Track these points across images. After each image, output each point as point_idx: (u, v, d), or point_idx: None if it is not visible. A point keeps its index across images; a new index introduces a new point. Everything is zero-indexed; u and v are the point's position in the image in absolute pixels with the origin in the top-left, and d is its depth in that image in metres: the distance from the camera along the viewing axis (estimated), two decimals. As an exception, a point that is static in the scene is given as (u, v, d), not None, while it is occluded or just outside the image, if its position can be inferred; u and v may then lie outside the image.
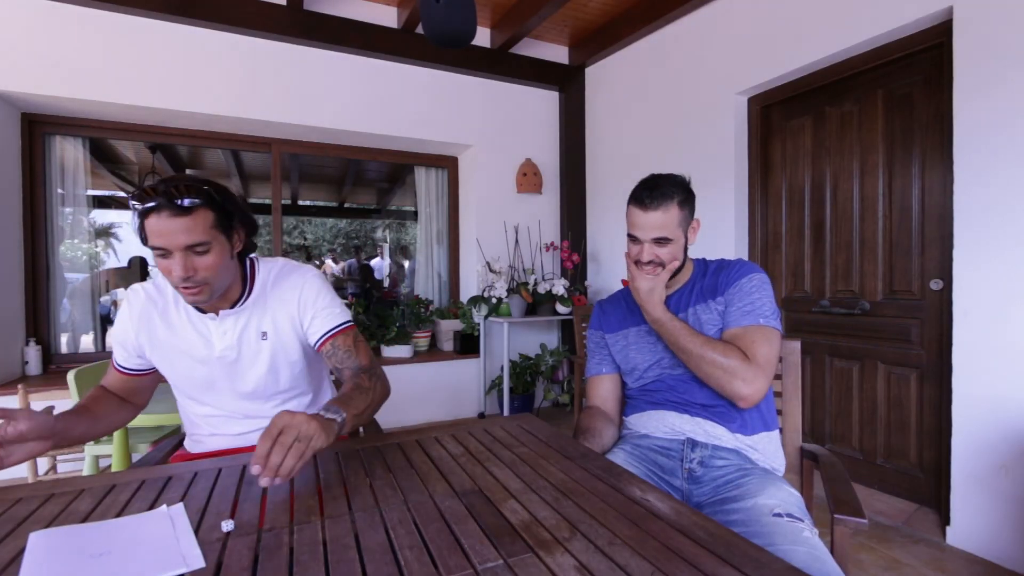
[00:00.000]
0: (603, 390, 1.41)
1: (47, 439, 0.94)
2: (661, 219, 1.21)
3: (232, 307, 1.17)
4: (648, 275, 1.24)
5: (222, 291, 1.12)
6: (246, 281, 1.19)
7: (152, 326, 1.17)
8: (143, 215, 0.99)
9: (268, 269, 1.23)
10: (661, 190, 1.21)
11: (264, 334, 1.19)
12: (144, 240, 1.02)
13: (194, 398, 1.24)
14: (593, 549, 0.68)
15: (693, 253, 1.40)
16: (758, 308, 1.20)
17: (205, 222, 1.02)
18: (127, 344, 1.18)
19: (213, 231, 1.04)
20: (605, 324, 1.44)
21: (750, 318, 1.19)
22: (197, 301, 1.08)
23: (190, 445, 1.30)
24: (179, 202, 0.98)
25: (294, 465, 0.80)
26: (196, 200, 1.00)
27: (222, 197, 1.07)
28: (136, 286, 1.20)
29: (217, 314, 1.16)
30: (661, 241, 1.23)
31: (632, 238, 1.27)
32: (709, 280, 1.31)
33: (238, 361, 1.18)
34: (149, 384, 1.27)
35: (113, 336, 1.21)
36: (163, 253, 1.01)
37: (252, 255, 1.24)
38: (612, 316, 1.44)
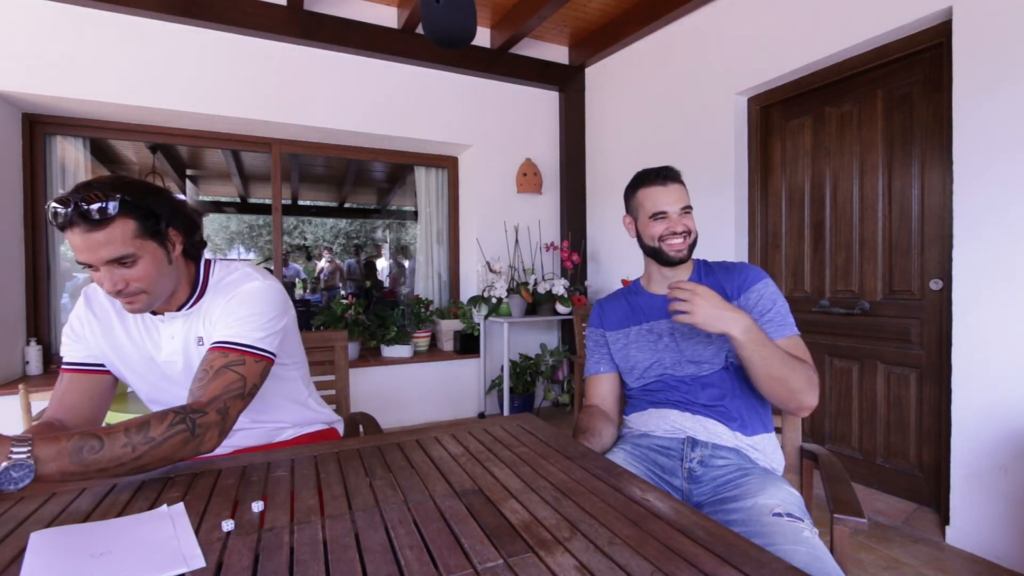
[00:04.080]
0: (602, 389, 1.41)
1: None
2: (681, 190, 1.30)
3: (178, 310, 1.11)
4: (695, 294, 1.10)
5: (165, 297, 1.07)
6: (197, 284, 1.13)
7: (109, 321, 1.13)
8: (60, 229, 0.92)
9: (222, 274, 1.15)
10: (671, 170, 1.31)
11: (200, 339, 1.11)
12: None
13: (155, 400, 1.19)
14: (593, 549, 0.68)
15: (695, 254, 1.40)
16: (786, 317, 1.22)
17: (125, 233, 0.95)
18: (83, 336, 1.12)
19: (138, 241, 0.96)
20: (606, 322, 1.44)
21: (786, 329, 1.21)
22: (136, 310, 1.02)
23: None
24: (92, 216, 0.91)
25: None
26: (110, 212, 0.92)
27: (145, 200, 0.98)
28: (94, 284, 1.11)
29: (165, 315, 1.12)
30: (687, 210, 1.30)
31: (658, 216, 1.29)
32: (712, 281, 1.31)
33: (182, 366, 1.13)
34: (108, 387, 1.16)
35: (68, 332, 1.12)
36: (91, 267, 0.96)
37: (209, 257, 1.18)
38: (613, 314, 1.44)
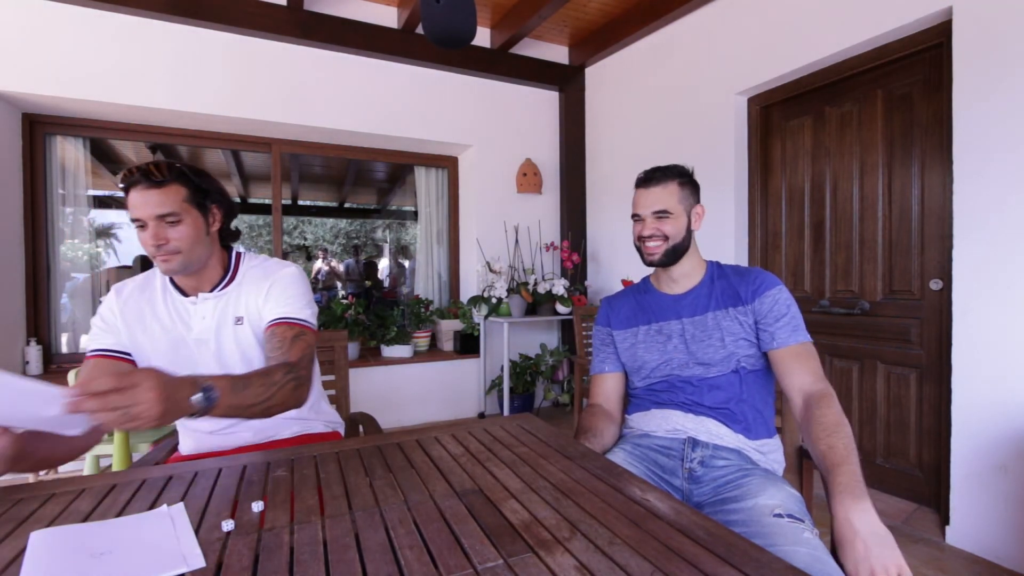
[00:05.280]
0: (607, 388, 1.41)
1: (10, 460, 0.84)
2: (660, 193, 1.29)
3: (211, 291, 1.22)
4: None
5: (197, 265, 1.18)
6: (228, 268, 1.26)
7: (140, 310, 1.21)
8: (126, 191, 1.11)
9: (253, 263, 1.29)
10: (660, 171, 1.32)
11: (239, 319, 1.22)
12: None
13: None
14: (593, 549, 0.68)
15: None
16: (800, 323, 1.22)
17: (177, 195, 1.12)
18: (114, 326, 1.19)
19: (185, 204, 1.14)
20: (614, 320, 1.43)
21: (799, 335, 1.21)
22: (170, 269, 1.14)
23: (184, 448, 1.30)
24: (153, 176, 1.10)
25: (101, 421, 0.74)
26: (168, 175, 1.11)
27: (198, 176, 1.16)
28: (125, 280, 1.25)
29: (197, 296, 1.21)
30: (661, 215, 1.29)
31: (635, 218, 1.33)
32: (726, 283, 1.31)
33: (214, 345, 1.21)
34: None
35: (99, 323, 1.20)
36: (141, 225, 1.11)
37: (239, 250, 1.31)
38: (621, 312, 1.43)
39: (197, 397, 0.85)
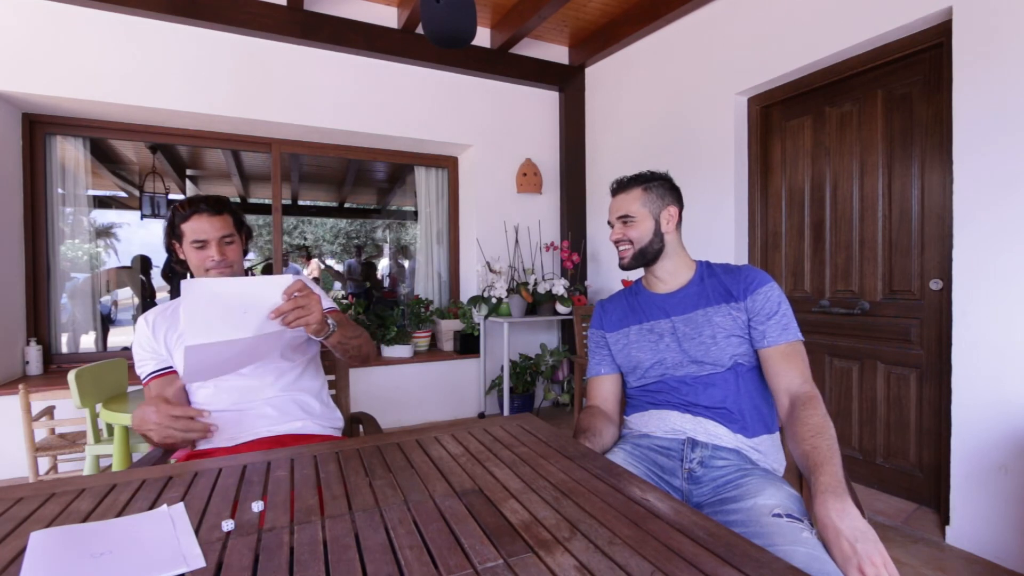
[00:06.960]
0: (603, 390, 1.42)
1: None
2: (624, 199, 1.36)
3: None
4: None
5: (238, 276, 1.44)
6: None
7: (167, 326, 1.43)
8: (185, 218, 1.35)
9: (260, 274, 1.49)
10: (628, 179, 1.38)
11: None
12: (177, 239, 1.38)
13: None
14: (593, 549, 0.68)
15: (694, 255, 1.40)
16: (791, 322, 1.23)
17: (230, 223, 1.42)
18: (155, 351, 1.40)
19: (234, 230, 1.43)
20: (606, 323, 1.45)
21: (789, 334, 1.21)
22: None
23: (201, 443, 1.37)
24: (216, 207, 1.38)
25: (294, 320, 1.15)
26: (225, 207, 1.41)
27: (238, 210, 1.48)
28: (145, 313, 1.46)
29: None
30: (625, 220, 1.34)
31: (609, 225, 1.41)
32: (716, 281, 1.31)
33: None
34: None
35: (140, 352, 1.40)
36: (202, 244, 1.36)
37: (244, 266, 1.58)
38: (613, 315, 1.44)
39: (331, 322, 1.27)
